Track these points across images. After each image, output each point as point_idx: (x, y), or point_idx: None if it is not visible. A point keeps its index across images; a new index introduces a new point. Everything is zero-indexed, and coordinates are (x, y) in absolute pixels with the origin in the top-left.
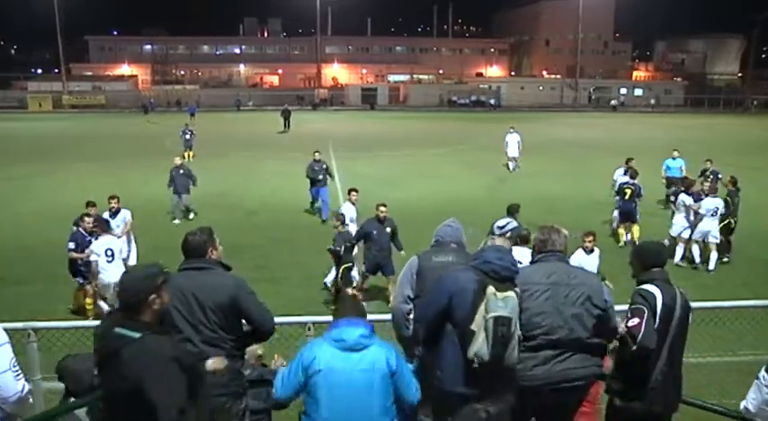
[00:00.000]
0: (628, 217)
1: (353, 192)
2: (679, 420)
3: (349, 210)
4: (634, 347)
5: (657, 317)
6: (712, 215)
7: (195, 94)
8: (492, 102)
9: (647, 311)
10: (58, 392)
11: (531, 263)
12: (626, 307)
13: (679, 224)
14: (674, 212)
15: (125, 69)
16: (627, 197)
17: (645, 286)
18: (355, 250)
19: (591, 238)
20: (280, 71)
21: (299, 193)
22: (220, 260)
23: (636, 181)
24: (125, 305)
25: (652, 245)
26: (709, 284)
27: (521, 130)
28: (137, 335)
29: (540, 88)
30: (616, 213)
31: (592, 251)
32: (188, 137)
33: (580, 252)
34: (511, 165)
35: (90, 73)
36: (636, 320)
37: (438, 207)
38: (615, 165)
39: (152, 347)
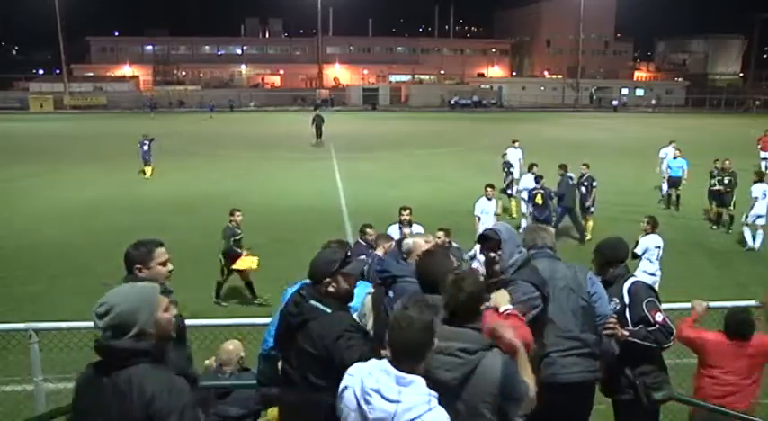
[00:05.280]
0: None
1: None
2: (679, 420)
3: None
4: (672, 342)
5: None
6: (762, 198)
7: (197, 94)
8: (482, 101)
9: (659, 304)
10: (61, 393)
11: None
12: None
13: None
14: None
15: (126, 70)
16: (540, 202)
17: (637, 279)
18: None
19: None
20: (281, 71)
21: (302, 194)
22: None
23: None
24: (315, 281)
25: (619, 240)
26: (713, 285)
27: (525, 130)
28: (328, 310)
29: (542, 88)
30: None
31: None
32: (146, 148)
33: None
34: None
35: (91, 74)
36: (660, 315)
37: (438, 207)
38: (615, 165)
39: (339, 323)
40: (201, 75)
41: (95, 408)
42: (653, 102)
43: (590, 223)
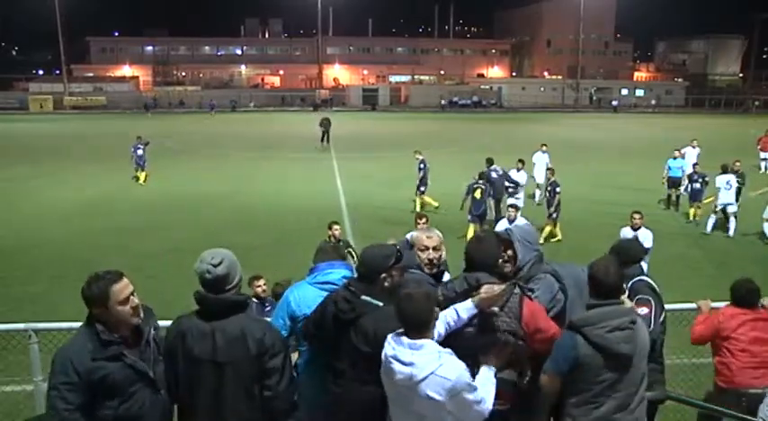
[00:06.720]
0: (481, 218)
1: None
2: (679, 420)
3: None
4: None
5: (661, 307)
6: (726, 188)
7: (197, 94)
8: (482, 101)
9: (653, 302)
10: None
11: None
12: None
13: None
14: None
15: (126, 70)
16: (478, 196)
17: (645, 278)
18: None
19: (639, 216)
20: (281, 72)
21: (302, 194)
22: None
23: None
24: (366, 277)
25: (634, 241)
26: (712, 285)
27: (525, 131)
28: (381, 304)
29: (542, 89)
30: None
31: (638, 228)
32: (140, 152)
33: (627, 229)
34: (538, 193)
35: (91, 74)
36: (645, 309)
37: (438, 207)
38: (615, 165)
39: (392, 316)
40: (201, 75)
41: (206, 352)
42: (653, 102)
43: (556, 227)
